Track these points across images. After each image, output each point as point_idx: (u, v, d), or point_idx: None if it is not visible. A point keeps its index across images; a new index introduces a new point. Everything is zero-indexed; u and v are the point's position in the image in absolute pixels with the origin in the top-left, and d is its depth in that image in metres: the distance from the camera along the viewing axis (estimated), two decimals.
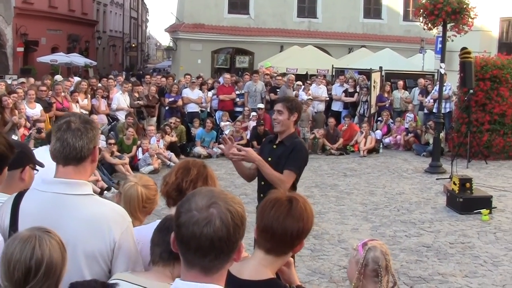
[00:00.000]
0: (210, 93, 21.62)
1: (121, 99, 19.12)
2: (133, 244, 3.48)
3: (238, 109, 21.35)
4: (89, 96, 18.50)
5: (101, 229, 3.33)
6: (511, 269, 9.37)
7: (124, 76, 33.45)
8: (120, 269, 3.40)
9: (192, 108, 20.85)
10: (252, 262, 3.23)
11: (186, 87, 21.26)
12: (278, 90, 20.99)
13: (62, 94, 17.31)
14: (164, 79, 22.34)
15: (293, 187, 6.50)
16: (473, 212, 12.22)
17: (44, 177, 3.56)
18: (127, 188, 3.98)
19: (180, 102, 20.56)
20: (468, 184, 12.64)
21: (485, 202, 12.41)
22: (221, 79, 23.79)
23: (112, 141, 16.37)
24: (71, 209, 3.35)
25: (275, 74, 24.50)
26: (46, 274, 2.86)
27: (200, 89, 21.48)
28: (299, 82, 22.54)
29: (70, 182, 3.40)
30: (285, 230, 3.13)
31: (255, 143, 19.05)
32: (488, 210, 12.22)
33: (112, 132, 18.12)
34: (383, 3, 43.26)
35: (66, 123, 3.44)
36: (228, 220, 2.40)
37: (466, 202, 12.38)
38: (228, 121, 20.38)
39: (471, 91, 17.53)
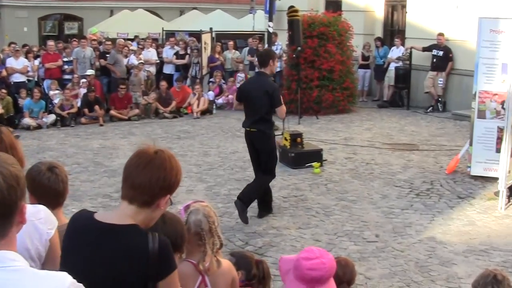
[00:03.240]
0: (36, 62, 20.80)
1: None
2: None
3: (67, 76, 20.58)
4: None
5: None
6: (342, 218, 9.71)
7: None
8: None
9: (17, 78, 19.87)
10: (116, 211, 3.18)
11: (10, 57, 20.32)
12: (107, 55, 20.53)
13: None
14: None
15: None
16: (305, 166, 12.52)
17: None
18: None
19: (4, 73, 19.62)
20: (299, 139, 12.93)
21: (316, 156, 12.74)
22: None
23: None
24: None
25: (104, 40, 23.98)
26: None
27: (26, 57, 20.63)
28: (133, 47, 22.25)
29: None
30: (144, 179, 3.07)
31: (86, 110, 18.59)
32: (319, 163, 12.55)
33: None
34: None
35: None
36: (1, 182, 2.29)
37: (297, 156, 12.65)
38: (57, 89, 19.64)
39: (300, 48, 17.85)
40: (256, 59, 9.56)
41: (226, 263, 4.24)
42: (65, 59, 20.66)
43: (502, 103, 10.97)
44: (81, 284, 2.45)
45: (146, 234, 3.10)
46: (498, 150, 10.85)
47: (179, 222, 3.86)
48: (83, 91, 19.29)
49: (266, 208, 9.89)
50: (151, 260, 3.04)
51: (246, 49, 22.93)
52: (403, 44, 20.84)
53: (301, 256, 3.65)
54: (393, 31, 22.70)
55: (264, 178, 9.77)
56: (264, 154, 9.65)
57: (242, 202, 9.53)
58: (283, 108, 9.55)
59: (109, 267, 3.03)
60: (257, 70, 9.57)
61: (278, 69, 20.20)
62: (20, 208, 2.37)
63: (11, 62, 19.89)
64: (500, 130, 10.93)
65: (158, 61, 22.32)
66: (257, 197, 9.78)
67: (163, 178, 3.14)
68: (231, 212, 9.98)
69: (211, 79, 21.83)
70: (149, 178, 3.09)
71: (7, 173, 2.31)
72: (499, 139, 10.93)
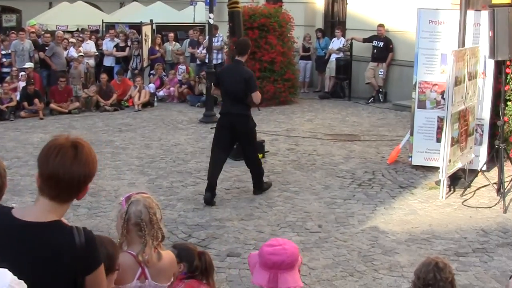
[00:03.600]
0: None
1: None
2: None
3: (5, 69, 20.12)
4: None
5: None
6: (285, 209, 9.71)
7: None
8: None
9: None
10: (36, 208, 3.07)
11: None
12: (46, 48, 20.15)
13: None
14: None
15: None
16: None
17: None
18: None
19: None
20: None
21: (258, 147, 12.64)
22: None
23: None
24: None
25: (42, 32, 23.56)
26: None
27: None
28: (73, 40, 21.93)
29: None
30: (72, 176, 3.00)
31: (25, 104, 18.20)
32: (261, 154, 12.50)
33: None
34: None
35: None
36: None
37: (240, 148, 12.58)
38: None
39: None
40: (234, 47, 10.88)
41: (168, 256, 4.20)
42: (3, 52, 20.19)
43: (442, 93, 11.08)
44: (21, 281, 2.37)
45: (71, 229, 3.04)
46: (438, 140, 10.97)
47: (102, 244, 3.79)
48: (22, 84, 18.87)
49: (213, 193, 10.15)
50: (79, 255, 2.98)
51: (187, 41, 22.83)
52: (343, 35, 20.97)
53: (265, 244, 3.74)
54: (333, 22, 22.80)
55: (255, 160, 10.56)
56: (244, 136, 10.33)
57: (258, 188, 10.46)
58: (258, 94, 10.19)
59: (36, 267, 2.95)
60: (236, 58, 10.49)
61: (220, 61, 20.24)
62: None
63: None
64: (441, 120, 11.04)
65: (97, 54, 22.01)
66: (262, 174, 10.57)
67: (88, 173, 3.10)
68: (174, 205, 9.90)
69: (152, 71, 21.63)
70: (77, 176, 3.04)
71: None
72: (440, 129, 11.06)
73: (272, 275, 3.63)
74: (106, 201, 10.23)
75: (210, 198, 9.92)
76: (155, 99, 20.03)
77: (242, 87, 9.98)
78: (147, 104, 19.39)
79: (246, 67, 10.55)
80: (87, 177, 3.08)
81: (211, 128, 15.44)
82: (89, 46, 21.80)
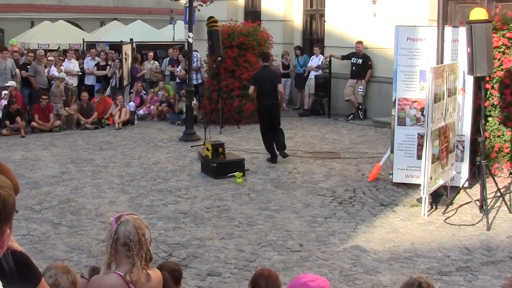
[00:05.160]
0: None
1: None
2: None
3: None
4: None
5: None
6: (266, 228, 9.64)
7: None
8: None
9: None
10: None
11: None
12: (29, 66, 20.02)
13: None
14: None
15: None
16: (227, 176, 12.43)
17: None
18: None
19: None
20: (220, 149, 12.87)
21: (238, 165, 12.68)
22: None
23: None
24: None
25: (25, 51, 23.44)
26: None
27: None
28: (51, 58, 21.80)
29: None
30: None
31: (7, 122, 18.03)
32: (242, 173, 12.48)
33: None
34: None
35: None
36: None
37: (219, 166, 12.55)
38: None
39: (220, 58, 17.80)
40: (260, 57, 14.90)
41: (156, 276, 4.19)
42: None
43: (422, 110, 11.09)
44: None
45: None
46: (419, 157, 10.97)
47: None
48: (4, 102, 18.71)
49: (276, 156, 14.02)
50: (12, 280, 2.88)
51: (167, 59, 22.77)
52: (322, 53, 21.00)
53: (305, 281, 3.76)
54: (312, 40, 22.86)
55: (281, 130, 14.19)
56: (277, 118, 14.06)
57: (283, 150, 13.98)
58: (281, 85, 14.25)
59: None
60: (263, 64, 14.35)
61: (200, 81, 20.23)
62: (2, 232, 2.25)
63: None
64: (421, 136, 11.05)
65: (80, 73, 21.89)
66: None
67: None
68: (154, 224, 9.81)
69: (131, 90, 21.56)
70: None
71: None
72: (420, 146, 11.06)
73: None
74: (86, 220, 10.14)
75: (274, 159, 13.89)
76: (136, 118, 19.96)
77: (274, 82, 13.84)
78: (127, 122, 19.32)
79: (273, 68, 15.18)
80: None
81: (192, 146, 15.48)
82: (73, 65, 21.66)
